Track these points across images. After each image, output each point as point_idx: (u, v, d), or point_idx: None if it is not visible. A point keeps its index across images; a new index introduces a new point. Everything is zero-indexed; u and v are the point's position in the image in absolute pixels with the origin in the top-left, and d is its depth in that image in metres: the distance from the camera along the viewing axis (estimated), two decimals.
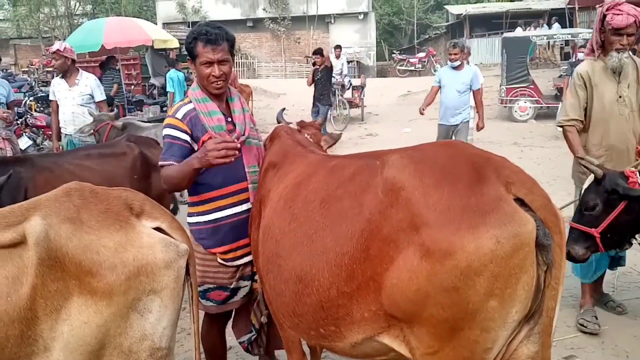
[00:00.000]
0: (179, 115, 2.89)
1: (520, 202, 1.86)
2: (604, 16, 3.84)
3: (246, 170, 2.98)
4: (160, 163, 2.87)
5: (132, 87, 16.22)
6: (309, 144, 2.95)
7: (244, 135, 2.97)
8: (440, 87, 8.15)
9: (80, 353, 1.86)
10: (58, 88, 6.21)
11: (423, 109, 8.36)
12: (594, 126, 3.98)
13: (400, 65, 28.40)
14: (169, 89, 12.09)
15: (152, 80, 17.19)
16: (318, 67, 12.69)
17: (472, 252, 1.77)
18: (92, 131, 5.76)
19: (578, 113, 3.98)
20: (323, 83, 12.71)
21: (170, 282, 1.97)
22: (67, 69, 6.08)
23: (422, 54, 28.98)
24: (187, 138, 2.86)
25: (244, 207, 2.96)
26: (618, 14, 3.75)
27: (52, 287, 1.81)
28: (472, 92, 8.12)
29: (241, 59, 29.70)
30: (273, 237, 2.38)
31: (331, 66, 13.32)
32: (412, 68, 28.11)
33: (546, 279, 1.88)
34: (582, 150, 3.89)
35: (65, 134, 6.24)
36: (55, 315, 1.83)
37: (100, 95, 6.25)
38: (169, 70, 12.49)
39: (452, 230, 1.81)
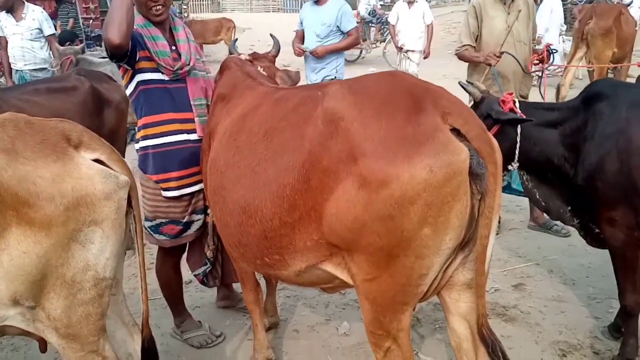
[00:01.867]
0: None
1: (457, 132, 1.89)
2: None
3: (191, 102, 2.97)
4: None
5: (91, 21, 15.61)
6: (259, 76, 2.91)
7: (189, 65, 2.93)
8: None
9: (21, 282, 1.87)
10: (5, 23, 6.02)
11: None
12: (483, 52, 4.34)
13: None
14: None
15: None
16: None
17: (406, 182, 1.80)
18: (58, 65, 5.61)
19: (469, 39, 4.45)
20: None
21: (110, 213, 1.96)
22: (12, 4, 5.85)
23: None
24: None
25: (190, 137, 2.96)
26: None
27: None
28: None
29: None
30: (218, 169, 2.39)
31: None
32: (382, 2, 27.45)
33: (480, 208, 1.93)
34: (480, 54, 4.31)
35: (16, 70, 6.09)
36: None
37: (49, 29, 6.07)
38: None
39: (387, 160, 1.84)
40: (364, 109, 1.95)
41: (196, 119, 2.97)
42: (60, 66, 5.80)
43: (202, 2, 26.89)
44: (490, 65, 4.14)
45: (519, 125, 2.87)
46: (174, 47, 2.96)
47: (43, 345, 2.22)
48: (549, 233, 4.69)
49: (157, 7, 2.84)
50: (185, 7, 16.59)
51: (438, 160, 1.80)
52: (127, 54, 2.71)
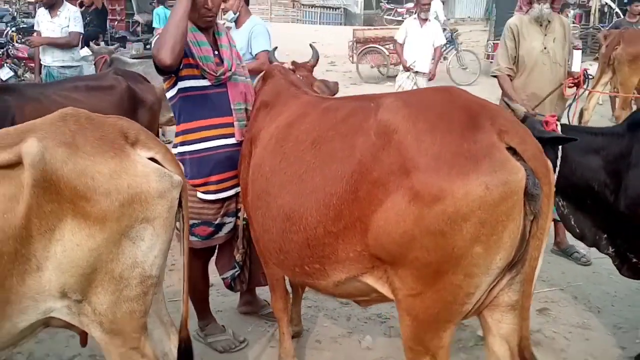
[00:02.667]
0: None
1: (513, 151, 1.89)
2: None
3: (232, 107, 3.01)
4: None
5: (116, 22, 15.80)
6: (303, 85, 2.94)
7: (230, 70, 2.98)
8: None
9: (71, 275, 1.88)
10: (41, 19, 6.14)
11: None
12: (519, 73, 4.40)
13: (387, 15, 27.86)
14: (155, 25, 11.79)
15: (136, 17, 16.77)
16: None
17: (461, 198, 1.80)
18: (92, 62, 5.70)
19: (507, 62, 4.43)
20: None
21: (163, 211, 1.98)
22: (55, 2, 5.97)
23: (410, 4, 28.42)
24: None
25: (228, 141, 3.00)
26: None
27: (47, 208, 1.82)
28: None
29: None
30: (263, 175, 2.40)
31: None
32: (400, 18, 27.62)
33: (532, 229, 1.93)
34: (515, 94, 4.23)
35: (44, 65, 6.17)
36: (49, 235, 1.84)
37: (75, 27, 6.09)
38: (156, 7, 12.14)
39: (442, 175, 1.84)
40: (419, 123, 1.96)
41: (235, 123, 3.02)
42: (94, 65, 5.87)
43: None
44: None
45: (560, 148, 2.87)
46: (216, 52, 3.00)
47: (84, 339, 2.24)
48: (570, 259, 4.67)
49: (209, 14, 2.92)
50: None
51: (495, 178, 1.81)
52: (176, 70, 2.77)
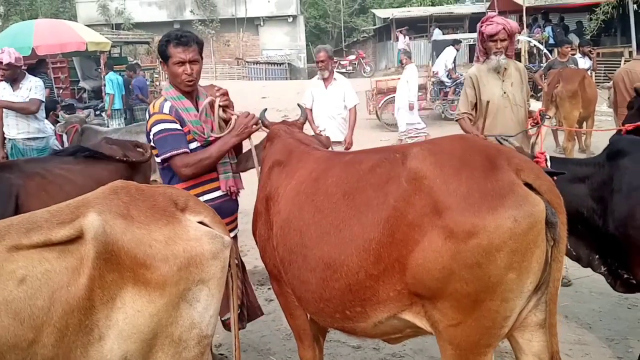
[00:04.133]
0: (166, 110, 3.11)
1: (529, 186, 2.12)
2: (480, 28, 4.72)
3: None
4: (171, 154, 3.04)
5: (61, 90, 15.67)
6: (310, 141, 3.12)
7: (213, 131, 3.17)
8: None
9: (133, 341, 1.94)
10: (2, 93, 6.05)
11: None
12: (487, 117, 4.64)
13: None
14: (109, 90, 11.82)
15: (82, 84, 16.66)
16: None
17: (493, 231, 2.01)
18: (64, 131, 5.69)
19: (467, 108, 4.77)
20: None
21: (217, 272, 2.09)
22: (17, 76, 5.97)
23: (352, 57, 29.59)
24: (180, 127, 3.09)
25: (214, 194, 3.20)
26: (490, 24, 4.63)
27: (108, 278, 1.89)
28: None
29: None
30: (296, 229, 2.53)
31: None
32: (343, 70, 28.63)
33: (553, 253, 2.15)
34: (475, 130, 4.50)
35: (9, 139, 6.08)
36: (111, 304, 1.91)
37: (35, 94, 6.02)
38: (106, 73, 12.19)
39: (473, 212, 2.05)
40: (445, 168, 2.17)
41: (220, 176, 3.22)
42: (66, 134, 5.86)
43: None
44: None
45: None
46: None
47: None
48: None
49: (190, 81, 3.13)
50: (157, 75, 16.82)
51: (521, 211, 2.03)
52: None
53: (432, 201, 2.12)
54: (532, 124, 4.72)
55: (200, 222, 2.14)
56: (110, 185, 2.11)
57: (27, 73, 6.18)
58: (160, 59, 3.26)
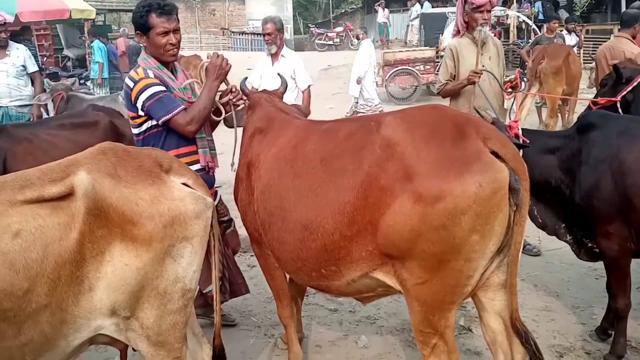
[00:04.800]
0: (151, 75, 3.11)
1: (495, 154, 2.26)
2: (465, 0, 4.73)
3: (196, 136, 3.25)
4: (173, 113, 3.05)
5: (45, 58, 15.56)
6: (290, 110, 3.24)
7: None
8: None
9: (121, 292, 2.08)
10: None
11: None
12: (462, 91, 4.78)
13: (318, 40, 28.65)
14: (98, 59, 11.77)
15: (66, 52, 16.56)
16: None
17: (459, 195, 2.15)
18: (48, 100, 5.73)
19: (446, 76, 4.87)
20: None
21: (199, 230, 2.22)
22: (5, 43, 5.97)
23: (339, 29, 29.37)
24: (169, 90, 3.11)
25: (193, 168, 3.15)
26: None
27: (98, 233, 2.02)
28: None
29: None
30: (276, 193, 2.67)
31: None
32: (330, 42, 28.49)
33: (515, 218, 2.30)
34: (464, 81, 4.64)
35: (0, 106, 6.12)
36: (100, 258, 2.03)
37: (33, 66, 6.14)
38: (91, 41, 12.10)
39: (441, 178, 2.19)
40: (416, 136, 2.30)
41: (200, 150, 3.27)
42: (52, 101, 5.91)
43: None
44: (474, 83, 4.56)
45: (521, 150, 3.29)
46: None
47: (124, 355, 2.41)
48: (524, 252, 5.13)
49: (174, 50, 3.17)
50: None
51: (486, 177, 2.17)
52: None
53: (404, 167, 2.26)
54: (510, 86, 4.85)
55: (184, 184, 2.26)
56: (98, 146, 2.22)
57: (9, 40, 6.19)
58: (137, 31, 3.19)
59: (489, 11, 4.67)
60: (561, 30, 10.74)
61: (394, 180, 2.27)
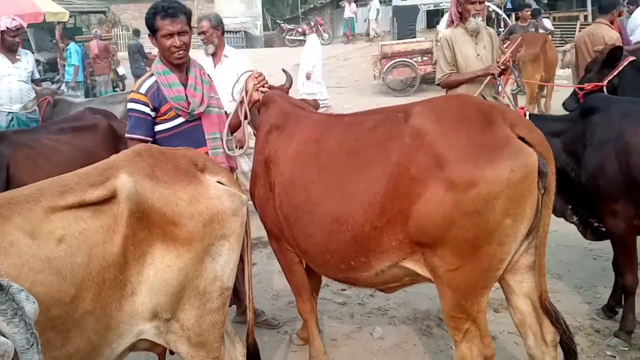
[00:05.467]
0: (142, 90, 3.12)
1: (522, 139, 2.31)
2: None
3: (206, 137, 3.23)
4: (128, 136, 3.11)
5: None
6: (305, 105, 3.24)
7: (201, 105, 3.19)
8: None
9: (163, 294, 2.07)
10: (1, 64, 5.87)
11: None
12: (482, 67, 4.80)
13: (289, 35, 28.59)
14: (74, 62, 11.54)
15: (36, 56, 16.16)
16: None
17: (492, 181, 2.20)
18: (35, 106, 5.59)
19: (449, 67, 4.79)
20: None
21: (237, 227, 2.22)
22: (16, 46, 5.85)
23: (310, 23, 29.34)
24: (149, 111, 3.10)
25: None
26: None
27: (140, 235, 2.01)
28: None
29: (122, 30, 28.36)
30: (301, 188, 2.68)
31: None
32: (301, 38, 28.43)
33: (543, 200, 2.36)
34: (470, 72, 4.62)
35: (10, 112, 5.88)
36: (142, 260, 2.02)
37: (38, 74, 6.18)
38: (66, 44, 11.89)
39: (472, 164, 2.23)
40: (445, 124, 2.34)
41: (210, 151, 3.22)
42: (38, 107, 5.77)
43: (119, 41, 26.58)
44: (493, 74, 4.52)
45: None
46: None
47: (162, 359, 2.39)
48: None
49: (179, 53, 3.12)
50: (114, 46, 16.39)
51: (517, 162, 2.22)
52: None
53: (434, 155, 2.29)
54: (501, 67, 4.93)
55: (218, 182, 2.25)
56: (133, 148, 2.21)
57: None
58: (148, 32, 3.21)
59: (482, 2, 4.70)
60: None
61: (425, 169, 2.30)
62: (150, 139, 3.08)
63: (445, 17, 15.05)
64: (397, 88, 14.36)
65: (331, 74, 19.18)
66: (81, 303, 1.90)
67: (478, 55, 4.80)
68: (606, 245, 3.96)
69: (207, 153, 3.18)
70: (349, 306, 4.12)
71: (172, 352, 2.32)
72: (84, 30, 19.52)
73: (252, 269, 3.11)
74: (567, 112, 3.89)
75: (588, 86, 4.81)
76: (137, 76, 12.59)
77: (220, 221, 2.16)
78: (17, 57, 5.79)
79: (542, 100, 9.49)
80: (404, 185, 2.35)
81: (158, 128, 3.14)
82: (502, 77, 4.94)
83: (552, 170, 2.35)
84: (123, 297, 2.03)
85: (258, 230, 3.61)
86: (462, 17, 4.81)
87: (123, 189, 1.98)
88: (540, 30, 9.93)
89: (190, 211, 2.09)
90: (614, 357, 3.34)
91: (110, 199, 1.98)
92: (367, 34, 23.56)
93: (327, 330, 3.81)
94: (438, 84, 5.00)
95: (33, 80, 6.01)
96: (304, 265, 3.13)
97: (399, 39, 15.94)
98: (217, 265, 2.19)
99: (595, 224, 3.45)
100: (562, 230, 4.22)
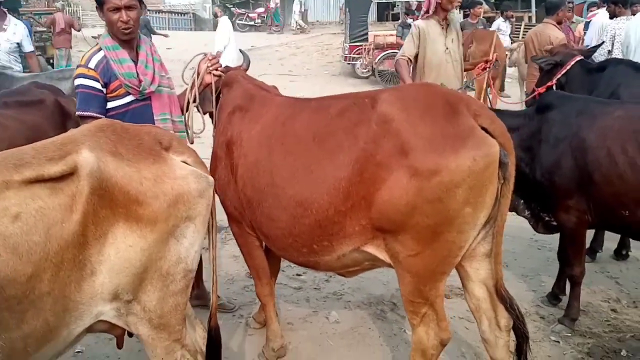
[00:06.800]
0: (92, 64, 3.02)
1: (484, 130, 2.36)
2: None
3: (155, 117, 3.17)
4: (79, 114, 3.00)
5: None
6: (270, 88, 3.21)
7: (152, 84, 3.13)
8: None
9: (124, 275, 2.00)
10: None
11: None
12: (429, 70, 5.00)
13: (239, 20, 28.17)
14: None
15: None
16: None
17: (454, 169, 2.24)
18: None
19: (410, 52, 5.03)
20: None
21: (202, 209, 2.17)
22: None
23: (261, 9, 29.02)
24: (100, 87, 3.01)
25: None
26: None
27: (102, 214, 1.93)
28: None
29: (64, 6, 27.17)
30: (266, 171, 2.66)
31: None
32: (252, 23, 28.11)
33: (502, 190, 2.43)
34: (409, 78, 4.89)
35: None
36: (103, 240, 1.94)
37: (29, 46, 5.90)
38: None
39: (437, 153, 2.27)
40: (411, 112, 2.37)
41: None
42: None
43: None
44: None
45: None
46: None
47: (121, 342, 2.33)
48: None
49: (127, 28, 3.03)
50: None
51: (479, 152, 2.27)
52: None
53: (400, 142, 2.31)
54: (482, 68, 5.24)
55: (184, 162, 2.20)
56: (94, 123, 2.13)
57: (7, 13, 5.84)
58: (96, 4, 3.10)
59: None
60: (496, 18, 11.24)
61: (389, 155, 2.33)
62: (104, 117, 2.96)
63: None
64: (386, 79, 14.55)
65: (283, 61, 19.13)
66: (38, 283, 1.82)
67: (447, 49, 5.00)
68: (550, 237, 4.15)
69: None
70: (305, 291, 4.15)
71: (130, 335, 2.27)
72: (22, 2, 18.54)
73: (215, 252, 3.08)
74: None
75: (540, 90, 5.01)
76: None
77: (186, 202, 2.11)
78: (4, 26, 5.59)
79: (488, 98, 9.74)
80: (369, 171, 2.37)
81: (106, 106, 3.04)
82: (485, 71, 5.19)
83: (513, 161, 2.42)
84: (82, 278, 1.95)
85: None
86: (437, 9, 4.96)
87: (85, 165, 1.89)
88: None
89: (155, 191, 2.03)
90: (558, 342, 3.50)
91: (69, 175, 1.89)
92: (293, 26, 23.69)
93: (283, 314, 3.81)
94: (397, 60, 5.10)
95: (24, 53, 5.73)
96: (264, 249, 3.13)
97: (350, 30, 15.94)
98: (182, 247, 2.14)
99: (547, 218, 3.59)
100: (508, 222, 4.33)
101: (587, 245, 4.56)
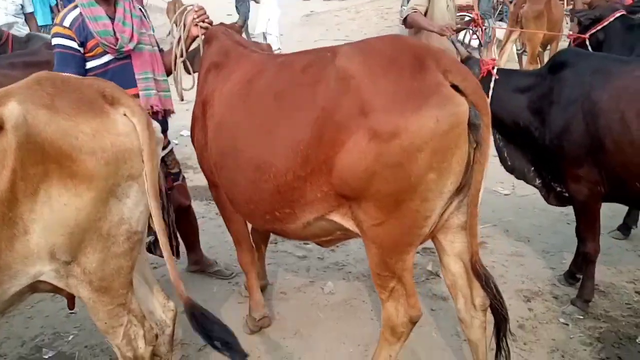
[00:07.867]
0: (67, 22, 2.93)
1: (455, 87, 2.13)
2: None
3: (136, 76, 3.06)
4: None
5: None
6: (249, 44, 3.06)
7: (131, 41, 3.02)
8: None
9: (60, 234, 1.95)
10: None
11: None
12: (436, 23, 4.84)
13: None
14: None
15: None
16: None
17: (415, 131, 2.03)
18: None
19: (423, 5, 4.93)
20: None
21: (147, 168, 2.08)
22: None
23: None
24: (77, 46, 2.93)
25: None
26: None
27: (32, 170, 1.87)
28: None
29: None
30: (228, 131, 2.54)
31: None
32: None
33: (475, 156, 2.19)
34: (430, 22, 4.77)
35: None
36: (35, 197, 1.89)
37: (30, 6, 5.87)
38: None
39: (397, 113, 2.06)
40: (373, 67, 2.16)
41: (141, 92, 3.06)
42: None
43: None
44: (444, 35, 4.54)
45: (491, 86, 3.17)
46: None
47: (71, 303, 2.32)
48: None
49: None
50: None
51: (443, 112, 2.05)
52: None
53: (359, 101, 2.12)
54: (474, 25, 5.29)
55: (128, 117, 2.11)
56: (34, 75, 2.06)
57: None
58: None
59: None
60: None
61: (349, 116, 2.15)
62: None
63: None
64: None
65: (341, 26, 18.78)
66: None
67: (448, 6, 5.04)
68: None
69: (137, 95, 3.03)
70: (308, 260, 4.05)
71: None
72: None
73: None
74: None
75: (571, 36, 4.64)
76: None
77: (128, 160, 2.02)
78: None
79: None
80: (328, 134, 2.20)
81: (86, 67, 2.98)
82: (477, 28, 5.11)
83: (487, 122, 2.18)
84: (14, 236, 1.92)
85: None
86: None
87: (10, 118, 1.83)
88: None
89: (92, 146, 1.95)
90: (567, 324, 3.24)
91: None
92: None
93: (279, 283, 3.75)
94: (404, 19, 4.94)
95: (25, 14, 5.82)
96: None
97: None
98: (124, 207, 2.07)
99: (558, 188, 3.29)
100: (538, 194, 4.06)
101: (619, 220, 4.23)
